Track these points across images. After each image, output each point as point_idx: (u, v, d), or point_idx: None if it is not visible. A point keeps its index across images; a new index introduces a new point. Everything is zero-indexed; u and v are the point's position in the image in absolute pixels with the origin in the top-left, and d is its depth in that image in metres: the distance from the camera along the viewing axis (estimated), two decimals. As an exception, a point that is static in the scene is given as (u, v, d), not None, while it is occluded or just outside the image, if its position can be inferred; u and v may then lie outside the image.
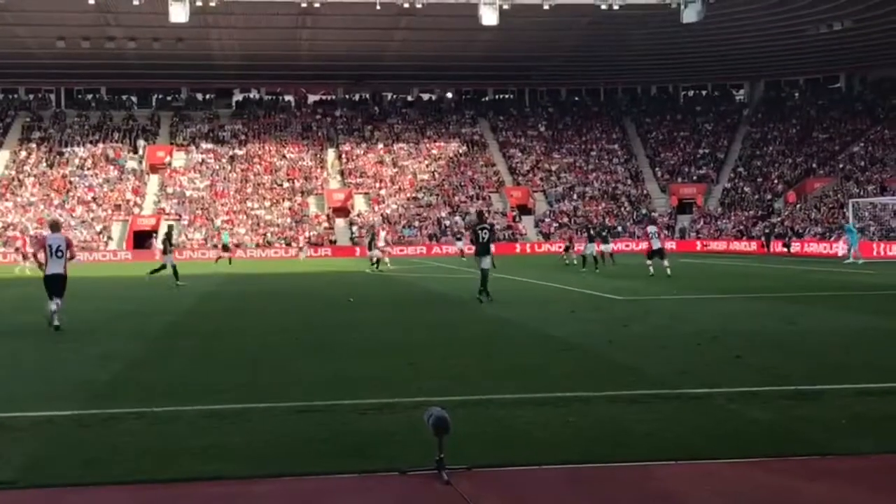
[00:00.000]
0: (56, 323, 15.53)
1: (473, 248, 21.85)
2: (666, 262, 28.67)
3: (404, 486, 5.96)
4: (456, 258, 50.60)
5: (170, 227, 33.86)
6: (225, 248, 50.03)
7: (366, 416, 8.13)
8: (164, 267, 29.96)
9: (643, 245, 46.74)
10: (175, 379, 10.39)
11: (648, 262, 29.47)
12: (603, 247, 36.54)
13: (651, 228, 31.75)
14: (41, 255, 16.20)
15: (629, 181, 76.85)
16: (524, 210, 72.33)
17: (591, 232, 37.93)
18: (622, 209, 72.68)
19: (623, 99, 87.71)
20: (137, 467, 6.48)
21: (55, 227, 17.06)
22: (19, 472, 6.36)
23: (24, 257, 44.96)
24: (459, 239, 56.97)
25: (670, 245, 66.10)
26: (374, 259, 39.54)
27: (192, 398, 9.02)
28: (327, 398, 8.89)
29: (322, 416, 8.18)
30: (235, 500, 5.73)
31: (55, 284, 15.74)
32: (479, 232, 20.82)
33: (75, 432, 7.74)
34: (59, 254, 15.92)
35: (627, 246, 62.40)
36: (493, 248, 21.17)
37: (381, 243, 41.04)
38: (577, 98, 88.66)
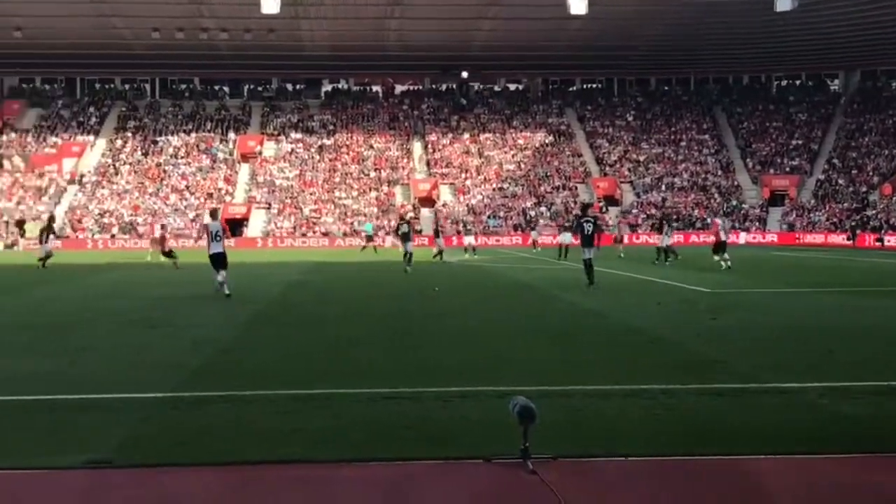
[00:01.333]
0: (227, 292, 19.12)
1: (579, 240, 21.96)
2: (726, 256, 28.48)
3: (489, 474, 5.98)
4: (551, 249, 50.29)
5: (404, 218, 34.54)
6: (368, 237, 52.49)
7: (450, 404, 8.16)
8: (410, 255, 30.51)
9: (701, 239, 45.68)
10: (263, 364, 10.57)
11: (716, 257, 29.02)
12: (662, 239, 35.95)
13: (720, 221, 31.59)
14: (204, 240, 20.08)
15: (719, 172, 75.57)
16: (611, 201, 71.69)
17: (667, 225, 37.45)
18: (712, 201, 71.51)
19: (714, 88, 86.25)
20: (226, 449, 6.61)
21: (214, 215, 20.97)
22: (114, 451, 6.55)
23: (153, 244, 46.05)
24: (534, 228, 56.96)
25: (772, 238, 65.24)
26: (438, 249, 39.20)
27: (279, 383, 9.16)
28: (412, 385, 8.94)
29: (407, 402, 8.23)
30: (322, 484, 5.81)
31: (218, 260, 19.43)
32: (584, 224, 21.44)
33: (167, 414, 7.93)
34: (218, 237, 19.54)
35: (707, 238, 61.24)
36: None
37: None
38: (666, 87, 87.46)
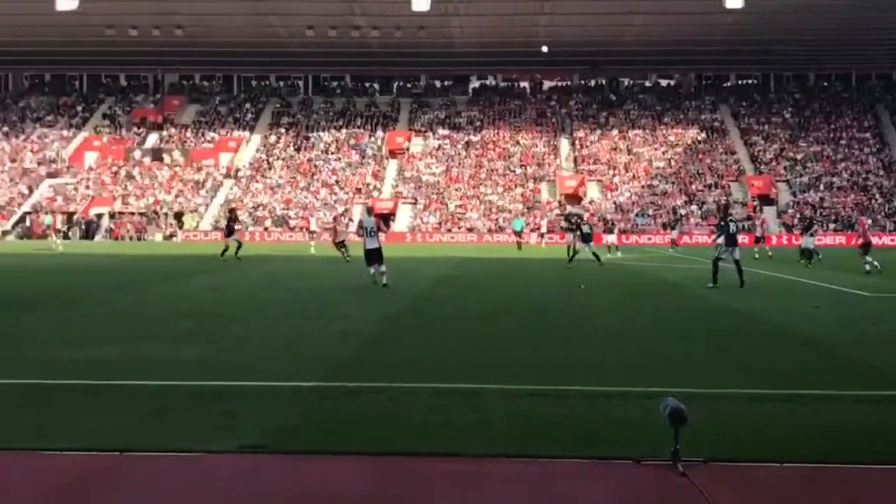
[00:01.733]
0: (384, 282, 20.27)
1: (724, 239, 21.56)
2: (869, 258, 27.19)
3: (639, 475, 5.90)
4: (700, 248, 49.25)
5: (578, 216, 34.66)
6: (517, 233, 52.57)
7: (596, 403, 8.08)
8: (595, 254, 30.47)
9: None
10: (410, 357, 10.69)
11: (867, 258, 27.45)
12: (804, 240, 34.65)
13: (867, 220, 30.25)
14: (361, 235, 21.63)
15: (881, 172, 72.36)
16: (766, 200, 69.47)
17: (816, 226, 36.19)
18: (873, 201, 68.56)
19: (876, 85, 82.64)
20: (374, 439, 6.71)
21: (370, 211, 22.73)
22: (267, 437, 6.74)
23: (312, 236, 47.01)
24: (674, 227, 55.83)
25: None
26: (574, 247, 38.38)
27: (426, 376, 9.24)
28: (557, 383, 8.88)
29: (553, 400, 8.19)
30: (469, 478, 5.82)
31: (373, 256, 20.53)
32: (730, 224, 21.35)
33: (318, 403, 8.12)
34: (373, 232, 20.64)
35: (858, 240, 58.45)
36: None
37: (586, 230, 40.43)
38: (825, 84, 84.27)
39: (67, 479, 5.75)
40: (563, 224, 32.29)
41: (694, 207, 68.09)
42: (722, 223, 21.78)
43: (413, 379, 9.08)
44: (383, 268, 20.61)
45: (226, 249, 33.96)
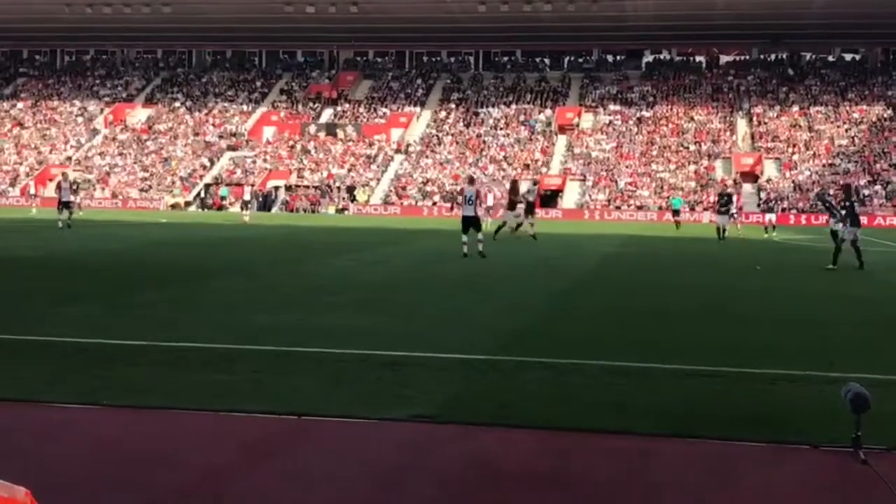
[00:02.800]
0: (469, 251, 21.04)
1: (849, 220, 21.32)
2: None
3: (817, 461, 5.71)
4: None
5: (826, 193, 33.81)
6: (674, 212, 50.86)
7: (775, 387, 7.84)
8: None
9: None
10: (579, 333, 10.64)
11: None
12: None
13: None
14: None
15: None
16: (956, 181, 65.63)
17: None
18: None
19: None
20: (545, 414, 6.70)
21: (470, 181, 23.32)
22: (440, 407, 6.83)
23: (488, 212, 47.03)
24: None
25: None
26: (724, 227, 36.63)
27: (595, 353, 9.16)
28: (732, 365, 8.67)
29: (728, 381, 8.00)
30: (638, 456, 5.74)
31: (467, 223, 21.56)
32: (853, 205, 21.71)
33: (490, 376, 8.18)
34: (470, 201, 21.82)
35: None
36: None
37: (733, 210, 39.22)
38: None
39: (249, 440, 5.96)
40: (818, 205, 31.03)
41: (878, 187, 64.91)
42: (846, 203, 21.40)
43: (582, 356, 9.03)
44: (480, 236, 21.55)
45: (508, 225, 32.22)
